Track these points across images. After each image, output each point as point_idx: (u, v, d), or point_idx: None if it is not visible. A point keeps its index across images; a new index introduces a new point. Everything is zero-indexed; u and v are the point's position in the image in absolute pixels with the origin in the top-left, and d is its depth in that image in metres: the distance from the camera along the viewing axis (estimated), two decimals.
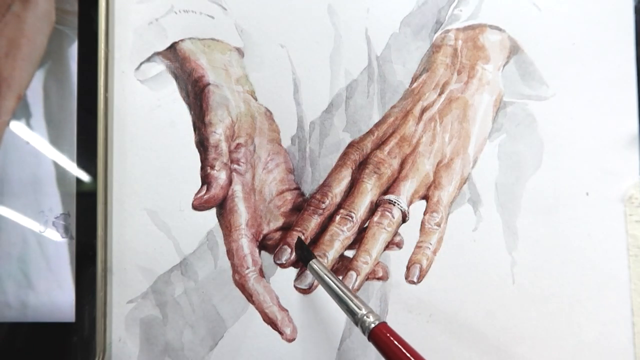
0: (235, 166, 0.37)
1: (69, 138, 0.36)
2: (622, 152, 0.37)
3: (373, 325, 0.28)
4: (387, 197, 0.36)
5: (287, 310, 0.36)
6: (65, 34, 0.37)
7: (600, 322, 0.36)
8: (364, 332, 0.28)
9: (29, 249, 0.36)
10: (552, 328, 0.35)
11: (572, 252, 0.36)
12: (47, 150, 0.37)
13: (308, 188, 0.37)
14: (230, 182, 0.37)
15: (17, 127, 0.37)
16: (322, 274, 0.32)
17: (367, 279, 0.36)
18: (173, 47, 0.38)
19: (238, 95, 0.37)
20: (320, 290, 0.36)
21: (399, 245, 0.37)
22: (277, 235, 0.37)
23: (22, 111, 0.37)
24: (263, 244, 0.37)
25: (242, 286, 0.36)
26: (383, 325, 0.28)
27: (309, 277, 0.36)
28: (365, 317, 0.28)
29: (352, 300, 0.30)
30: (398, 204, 0.36)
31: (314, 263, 0.33)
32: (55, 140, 0.37)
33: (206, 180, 0.36)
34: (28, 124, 0.37)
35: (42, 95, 0.37)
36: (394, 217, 0.36)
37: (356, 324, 0.29)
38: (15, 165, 0.37)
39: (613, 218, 0.36)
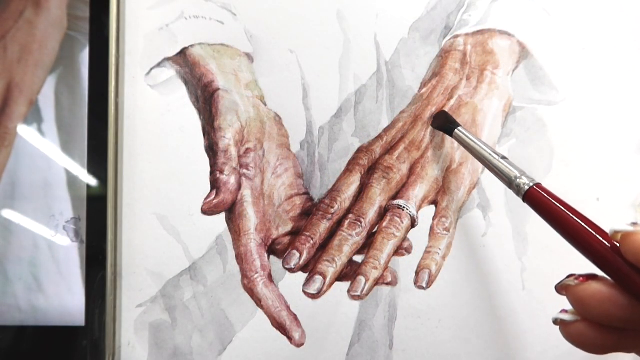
0: (245, 171, 0.37)
1: (79, 143, 0.37)
2: (633, 157, 0.37)
3: (528, 187, 0.28)
4: (396, 202, 0.36)
5: (296, 315, 0.36)
6: (77, 40, 0.37)
7: None
8: (518, 194, 0.29)
9: (40, 253, 0.36)
10: None
11: (582, 258, 0.36)
12: (58, 155, 0.37)
13: (317, 193, 0.37)
14: (239, 186, 0.37)
15: (28, 132, 0.37)
16: (469, 141, 0.33)
17: (376, 284, 0.36)
18: (183, 52, 0.38)
19: (247, 100, 0.38)
20: (329, 295, 0.36)
21: (408, 251, 0.36)
22: (286, 240, 0.37)
23: (34, 116, 0.37)
24: (272, 249, 0.37)
25: (251, 291, 0.36)
26: (538, 185, 0.28)
27: (317, 282, 0.36)
28: (519, 179, 0.29)
29: (504, 165, 0.30)
30: (407, 209, 0.36)
31: (459, 131, 0.34)
32: (66, 145, 0.37)
33: (215, 184, 0.37)
34: (39, 129, 0.37)
35: (54, 101, 0.37)
36: (402, 222, 0.36)
37: (509, 186, 0.29)
38: (27, 169, 0.37)
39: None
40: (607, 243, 0.24)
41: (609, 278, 0.24)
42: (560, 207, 0.26)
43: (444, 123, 0.35)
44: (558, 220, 0.26)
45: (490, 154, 0.31)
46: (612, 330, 0.24)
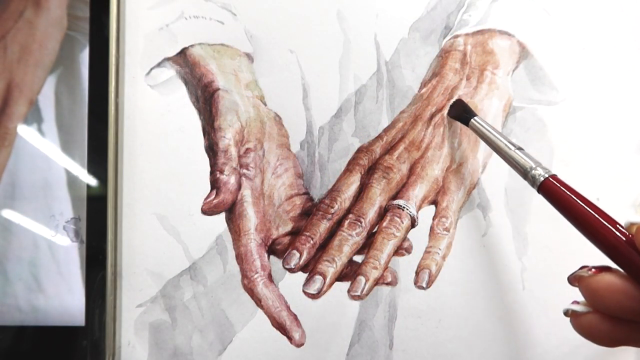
0: (245, 171, 0.37)
1: (79, 143, 0.37)
2: (633, 157, 0.37)
3: (543, 178, 0.28)
4: (396, 202, 0.36)
5: (296, 315, 0.36)
6: (77, 40, 0.37)
7: None
8: (533, 185, 0.29)
9: (40, 253, 0.36)
10: (563, 334, 0.35)
11: (582, 257, 0.36)
12: (58, 155, 0.37)
13: (317, 193, 0.37)
14: (239, 186, 0.37)
15: (28, 132, 0.37)
16: (486, 131, 0.33)
17: (376, 284, 0.36)
18: (183, 52, 0.38)
19: (247, 100, 0.38)
20: (329, 295, 0.36)
21: (408, 251, 0.36)
22: (286, 240, 0.37)
23: (34, 116, 0.37)
24: (272, 249, 0.37)
25: (251, 291, 0.36)
26: (554, 177, 0.28)
27: (317, 282, 0.36)
28: (534, 170, 0.29)
29: (520, 155, 0.30)
30: (407, 209, 0.36)
31: (476, 120, 0.34)
32: (66, 145, 0.37)
33: (215, 184, 0.37)
34: (39, 129, 0.37)
35: (54, 101, 0.37)
36: (402, 222, 0.36)
37: (525, 177, 0.29)
38: (27, 169, 0.37)
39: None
40: (621, 235, 0.24)
41: (622, 270, 0.24)
42: (575, 198, 0.26)
43: (461, 112, 0.35)
44: (572, 212, 0.26)
45: (505, 145, 0.31)
46: (624, 322, 0.24)
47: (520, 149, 0.31)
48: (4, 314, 0.36)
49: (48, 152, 0.37)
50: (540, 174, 0.28)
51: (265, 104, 0.38)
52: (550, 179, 0.28)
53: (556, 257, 0.36)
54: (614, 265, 0.24)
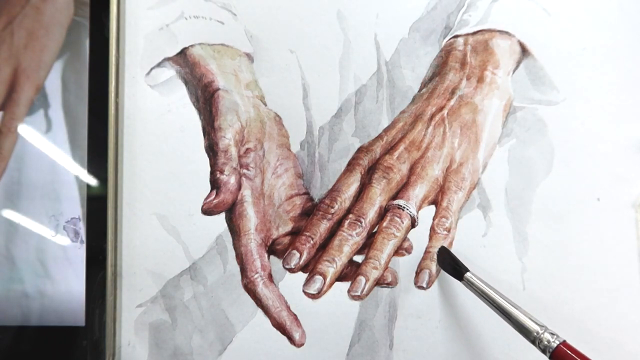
0: (245, 171, 0.37)
1: (80, 142, 0.37)
2: (633, 157, 0.37)
3: (555, 345, 0.27)
4: (396, 202, 0.36)
5: (296, 315, 0.36)
6: (84, 25, 0.37)
7: (612, 329, 0.35)
8: (543, 352, 0.28)
9: (40, 253, 0.36)
10: (563, 335, 0.35)
11: (583, 257, 0.36)
12: (58, 155, 0.37)
13: (317, 193, 0.37)
14: (239, 186, 0.37)
15: (30, 132, 0.37)
16: (484, 288, 0.32)
17: (377, 284, 0.36)
18: (183, 52, 0.38)
19: (248, 100, 0.38)
20: (329, 295, 0.36)
21: (408, 251, 0.36)
22: (286, 240, 0.37)
23: (41, 102, 0.37)
24: (272, 249, 0.37)
25: (251, 291, 0.36)
26: (565, 344, 0.27)
27: (317, 282, 0.36)
28: (541, 335, 0.28)
29: (526, 316, 0.29)
30: (407, 209, 0.36)
31: (470, 276, 0.33)
32: (73, 130, 0.37)
33: (215, 184, 0.37)
34: (46, 115, 0.37)
35: (61, 86, 0.37)
36: (403, 223, 0.36)
37: (533, 342, 0.28)
38: (28, 169, 0.37)
39: (624, 224, 0.36)
40: None
41: None
42: None
43: (450, 264, 0.35)
44: None
45: (509, 304, 0.31)
46: None
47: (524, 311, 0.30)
48: (6, 313, 0.36)
49: (49, 152, 0.37)
50: (551, 340, 0.28)
51: (265, 104, 0.38)
52: (563, 346, 0.27)
53: (557, 257, 0.36)
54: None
